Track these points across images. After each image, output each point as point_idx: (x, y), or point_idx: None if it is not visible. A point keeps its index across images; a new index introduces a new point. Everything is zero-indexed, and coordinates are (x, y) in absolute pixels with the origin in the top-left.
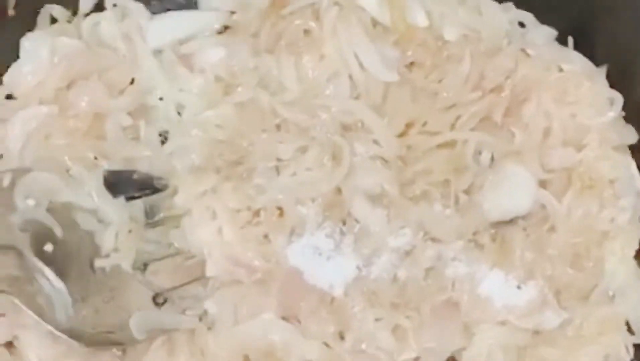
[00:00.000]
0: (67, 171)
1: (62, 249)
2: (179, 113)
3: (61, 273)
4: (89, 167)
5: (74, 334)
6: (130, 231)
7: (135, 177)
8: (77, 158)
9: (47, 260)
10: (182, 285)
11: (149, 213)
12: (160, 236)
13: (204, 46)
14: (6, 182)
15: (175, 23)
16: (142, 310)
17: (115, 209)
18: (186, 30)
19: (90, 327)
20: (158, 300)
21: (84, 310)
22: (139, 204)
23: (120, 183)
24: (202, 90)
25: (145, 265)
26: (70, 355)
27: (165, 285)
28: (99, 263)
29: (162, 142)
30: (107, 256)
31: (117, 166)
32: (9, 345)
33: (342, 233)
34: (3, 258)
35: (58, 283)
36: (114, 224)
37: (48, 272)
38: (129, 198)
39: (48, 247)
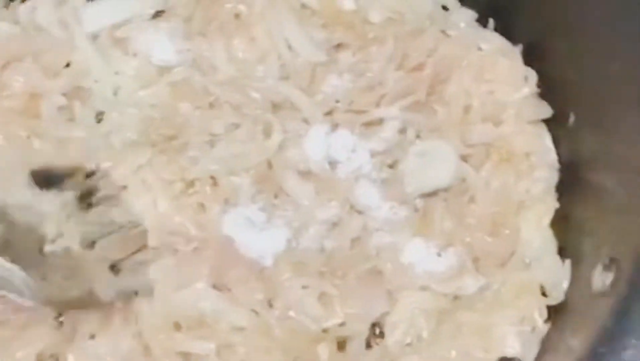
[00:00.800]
0: None
1: (8, 243)
2: (115, 94)
3: (14, 261)
4: (21, 145)
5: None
6: (68, 216)
7: (63, 165)
8: (9, 137)
9: None
10: (131, 254)
11: (86, 195)
12: (101, 216)
13: (139, 30)
14: None
15: (111, 8)
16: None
17: (47, 201)
18: (122, 14)
19: (57, 301)
20: (114, 270)
21: (46, 286)
22: (71, 191)
23: (50, 175)
24: (137, 72)
25: (93, 243)
26: (5, 325)
27: (116, 257)
28: (47, 248)
29: (98, 123)
30: (54, 241)
31: (48, 146)
32: None
33: (275, 206)
34: None
35: (11, 266)
36: (51, 215)
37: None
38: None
39: None
